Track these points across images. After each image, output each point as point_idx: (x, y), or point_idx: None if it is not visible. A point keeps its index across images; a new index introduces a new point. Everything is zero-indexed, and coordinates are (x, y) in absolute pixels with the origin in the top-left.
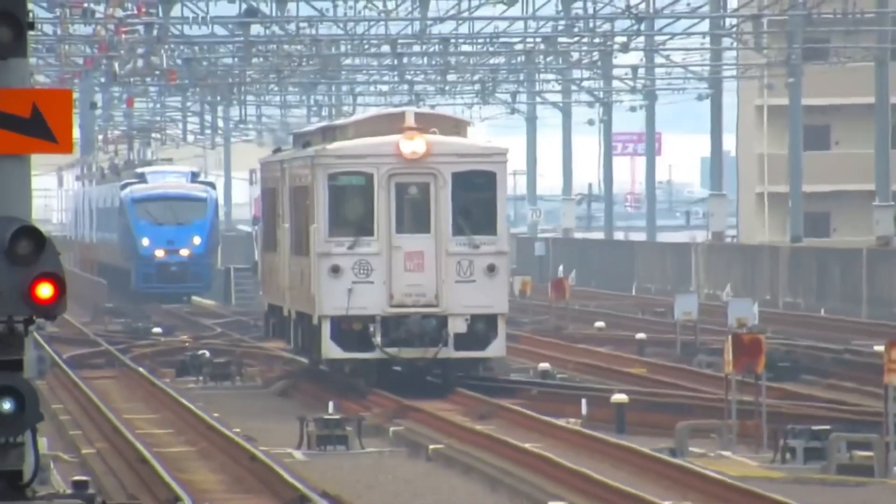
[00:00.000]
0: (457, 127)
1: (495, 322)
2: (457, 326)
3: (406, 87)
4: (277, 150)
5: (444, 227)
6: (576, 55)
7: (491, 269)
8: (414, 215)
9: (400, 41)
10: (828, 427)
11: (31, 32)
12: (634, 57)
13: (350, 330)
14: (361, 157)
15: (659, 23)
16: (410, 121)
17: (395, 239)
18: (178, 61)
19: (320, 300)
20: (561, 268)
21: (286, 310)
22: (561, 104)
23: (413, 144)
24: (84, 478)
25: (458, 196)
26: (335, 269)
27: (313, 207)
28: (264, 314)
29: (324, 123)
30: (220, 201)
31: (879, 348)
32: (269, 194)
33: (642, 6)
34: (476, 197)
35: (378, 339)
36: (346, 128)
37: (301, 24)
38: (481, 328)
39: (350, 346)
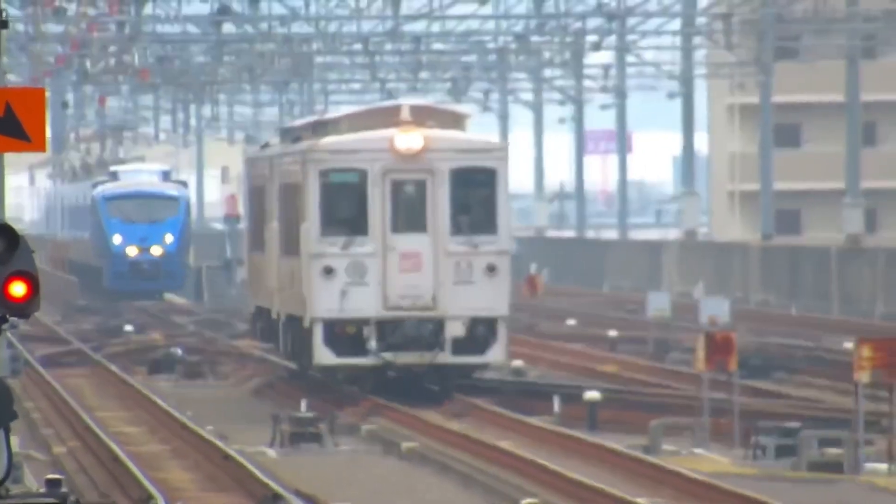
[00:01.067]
0: (455, 121)
1: (495, 325)
2: (455, 330)
3: (378, 85)
4: (265, 146)
5: (442, 225)
6: (547, 54)
7: (491, 269)
8: (410, 214)
9: (372, 39)
10: (799, 424)
11: (3, 31)
12: (606, 55)
13: (343, 334)
14: (355, 152)
15: (630, 21)
16: (406, 114)
17: (391, 239)
18: (151, 60)
19: (312, 302)
20: (533, 266)
21: (275, 312)
22: (532, 103)
23: (409, 139)
24: (57, 476)
25: (457, 193)
26: (328, 270)
27: (304, 205)
28: (251, 317)
29: (314, 117)
30: (193, 199)
31: (850, 346)
32: (257, 192)
33: (613, 5)
34: (475, 194)
35: (373, 344)
36: (338, 122)
37: (273, 23)
38: (481, 332)
39: (343, 351)
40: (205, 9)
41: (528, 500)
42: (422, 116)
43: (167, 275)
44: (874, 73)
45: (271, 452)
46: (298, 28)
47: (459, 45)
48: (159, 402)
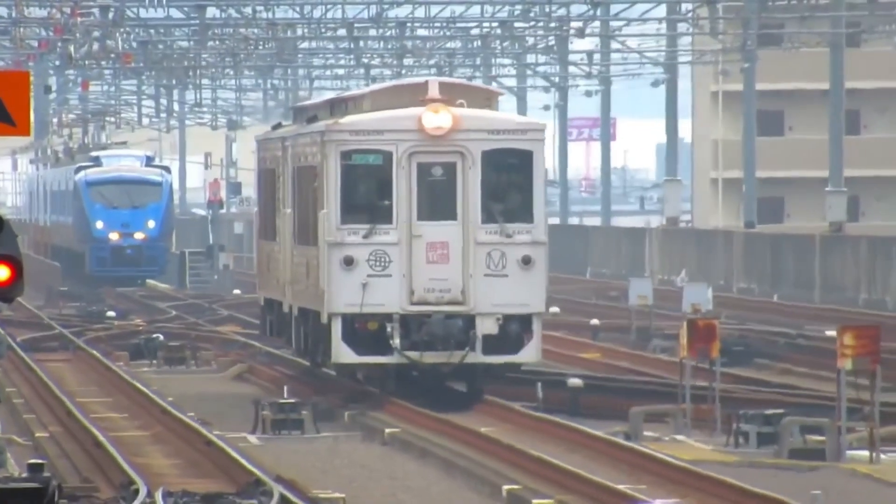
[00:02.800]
0: (487, 99)
1: (530, 322)
2: (486, 327)
3: (362, 71)
4: (277, 126)
5: (473, 213)
6: (531, 40)
7: (526, 261)
8: (438, 199)
9: (356, 25)
10: (781, 411)
11: None
12: (590, 42)
13: (364, 330)
14: (379, 132)
15: (615, 8)
16: (434, 91)
17: (417, 227)
18: (134, 44)
19: (330, 296)
20: None
21: (287, 306)
22: (516, 89)
23: (437, 118)
24: (40, 461)
25: (489, 177)
26: (348, 261)
27: (323, 190)
28: (260, 310)
29: (331, 95)
30: (175, 185)
31: (832, 333)
32: (268, 176)
33: None
34: (509, 179)
35: (396, 341)
36: (360, 99)
37: (257, 8)
38: (514, 329)
39: (364, 348)
40: None
41: (510, 486)
42: (451, 94)
43: (149, 260)
44: (858, 60)
45: (253, 438)
46: (282, 13)
47: (444, 30)
48: (141, 387)
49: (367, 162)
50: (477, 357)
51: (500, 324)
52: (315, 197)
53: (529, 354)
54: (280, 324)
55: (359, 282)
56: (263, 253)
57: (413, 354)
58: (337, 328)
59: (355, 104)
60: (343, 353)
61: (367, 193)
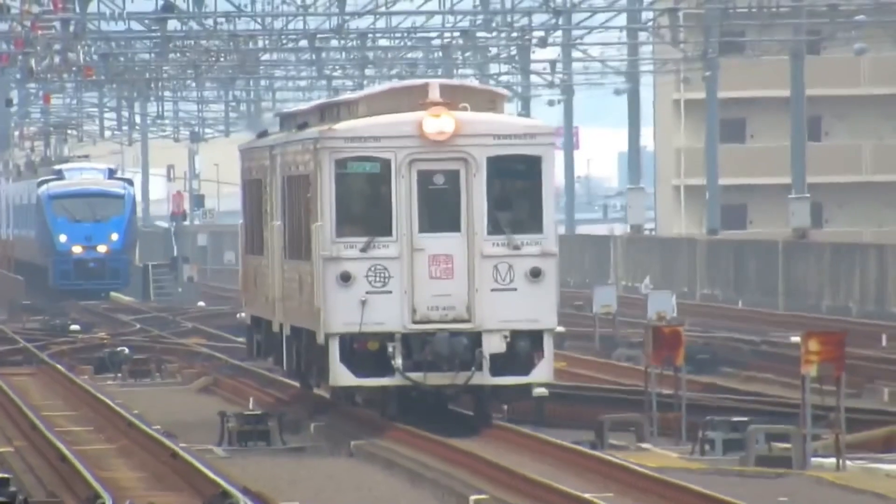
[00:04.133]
0: (492, 101)
1: (541, 340)
2: (493, 345)
3: (324, 82)
4: (263, 134)
5: (478, 223)
6: (494, 50)
7: (535, 274)
8: (441, 210)
9: (318, 36)
10: (746, 419)
11: None
12: (552, 52)
13: (364, 350)
14: (376, 138)
15: (576, 17)
16: (435, 94)
17: (418, 239)
18: (95, 57)
19: (327, 314)
20: None
21: (277, 325)
22: None
23: (439, 123)
24: (5, 475)
25: (495, 185)
26: (345, 277)
27: (316, 201)
28: (246, 329)
29: (321, 100)
30: (138, 198)
31: (796, 339)
32: (253, 186)
33: (559, 0)
34: (517, 186)
35: (398, 362)
36: (355, 104)
37: (218, 20)
38: (524, 347)
39: (364, 370)
40: (149, 6)
41: (477, 496)
42: (453, 96)
43: (113, 273)
44: (819, 67)
45: (219, 451)
46: (244, 25)
47: (405, 41)
48: (106, 400)
49: (363, 170)
50: (484, 378)
51: (508, 342)
52: (308, 208)
53: (541, 374)
54: (269, 344)
55: (357, 299)
56: (250, 268)
57: (416, 376)
58: (334, 349)
59: (349, 109)
60: (341, 376)
61: (364, 204)
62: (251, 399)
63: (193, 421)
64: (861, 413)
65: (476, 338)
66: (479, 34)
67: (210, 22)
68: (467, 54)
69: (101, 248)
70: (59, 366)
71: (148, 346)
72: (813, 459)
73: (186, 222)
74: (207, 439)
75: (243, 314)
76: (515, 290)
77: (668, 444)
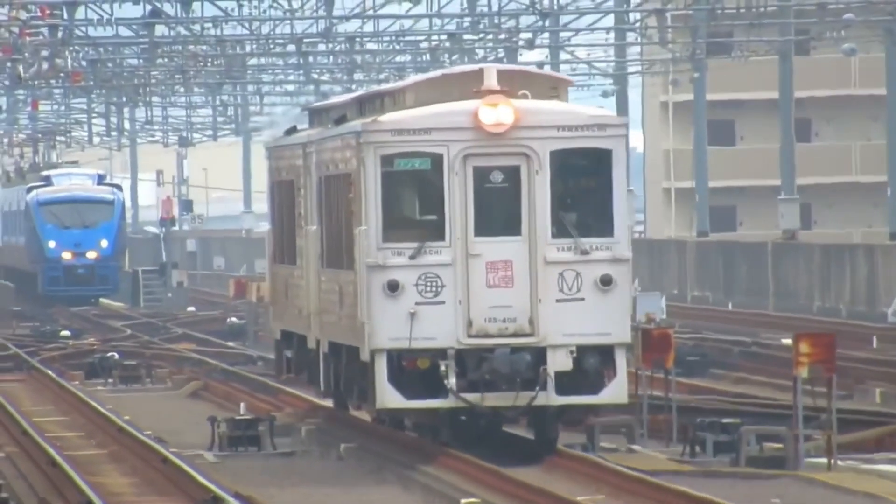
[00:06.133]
0: (555, 87)
1: (612, 355)
2: (559, 362)
3: (312, 86)
4: (292, 131)
5: (541, 226)
6: (481, 52)
7: (606, 282)
8: (499, 211)
9: (305, 40)
10: (737, 420)
11: None
12: (539, 54)
13: (413, 369)
14: (426, 131)
15: (564, 19)
16: (492, 81)
17: (474, 244)
18: (83, 63)
19: (372, 329)
20: None
21: (313, 340)
22: None
23: (496, 113)
24: None
25: (560, 183)
26: (392, 287)
27: (360, 203)
28: (275, 345)
29: (360, 91)
30: (127, 203)
31: (787, 341)
32: (283, 188)
33: (546, 2)
34: (584, 184)
35: (452, 382)
36: (401, 93)
37: (206, 25)
38: (592, 364)
39: (414, 390)
40: (137, 11)
41: (468, 499)
42: (512, 83)
43: (102, 279)
44: (807, 69)
45: (209, 455)
46: (231, 29)
47: (393, 44)
48: (97, 406)
49: (412, 167)
50: (549, 398)
51: (574, 358)
52: (349, 211)
53: (613, 394)
54: (302, 361)
55: (406, 311)
56: (280, 279)
57: (472, 397)
58: (381, 367)
59: (394, 99)
60: (389, 397)
61: (413, 205)
62: (242, 404)
63: (184, 426)
64: (852, 414)
65: (539, 353)
66: (467, 37)
67: (197, 27)
68: (455, 57)
69: (91, 254)
70: (49, 372)
71: (138, 352)
72: (804, 460)
73: (175, 227)
74: (198, 444)
75: (272, 327)
76: (583, 300)
77: (659, 447)
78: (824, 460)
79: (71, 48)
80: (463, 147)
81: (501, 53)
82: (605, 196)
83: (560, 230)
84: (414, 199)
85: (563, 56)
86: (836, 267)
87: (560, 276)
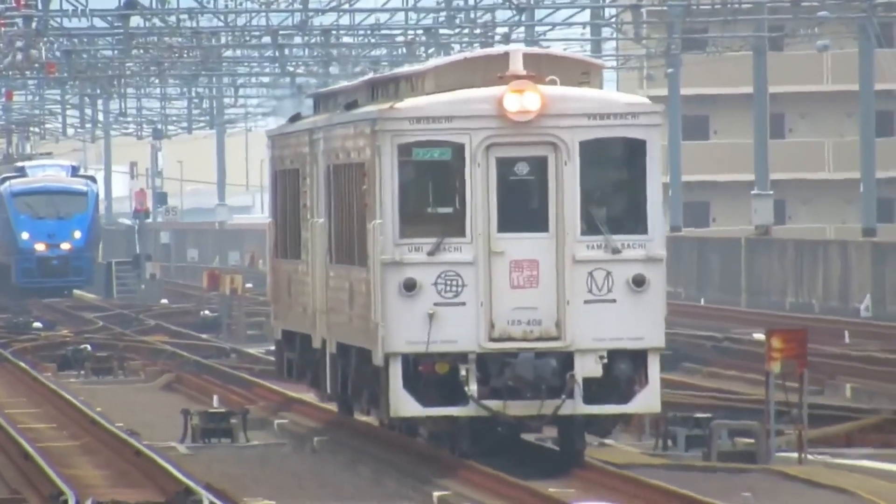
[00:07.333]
0: (585, 73)
1: (644, 361)
2: (587, 368)
3: (288, 79)
4: (296, 118)
5: (570, 222)
6: (457, 47)
7: (639, 282)
8: (524, 205)
9: (281, 32)
10: (709, 415)
11: None
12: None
13: (431, 374)
14: (447, 119)
15: (539, 13)
16: (517, 65)
17: (497, 241)
18: (58, 54)
19: (387, 331)
20: None
21: (318, 340)
22: None
23: (522, 100)
24: None
25: (590, 175)
26: (409, 286)
27: (374, 195)
28: (275, 345)
29: (371, 75)
30: (101, 195)
31: (759, 336)
32: (287, 178)
33: None
34: (616, 177)
35: (473, 388)
36: (420, 77)
37: (181, 16)
38: (624, 370)
39: (431, 397)
40: (112, 2)
41: (440, 492)
42: (539, 67)
43: (76, 271)
44: (782, 64)
45: (182, 448)
46: (207, 21)
47: (368, 38)
48: (69, 398)
49: (432, 157)
50: (576, 407)
51: (604, 363)
52: (363, 203)
53: (645, 403)
54: (305, 363)
55: (423, 312)
56: (282, 274)
57: (494, 404)
58: (396, 372)
59: (411, 84)
60: (404, 405)
61: (432, 198)
62: (215, 396)
63: (156, 418)
64: (823, 409)
65: (567, 359)
66: (443, 31)
67: (173, 19)
68: (431, 51)
69: (64, 246)
70: (21, 363)
71: (111, 344)
72: (776, 455)
73: (149, 220)
74: (171, 436)
75: (273, 325)
76: (614, 301)
77: (632, 441)
78: (795, 455)
79: (45, 39)
80: (486, 136)
81: (477, 47)
82: (638, 190)
83: (590, 226)
84: (433, 192)
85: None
86: (810, 263)
87: (589, 275)
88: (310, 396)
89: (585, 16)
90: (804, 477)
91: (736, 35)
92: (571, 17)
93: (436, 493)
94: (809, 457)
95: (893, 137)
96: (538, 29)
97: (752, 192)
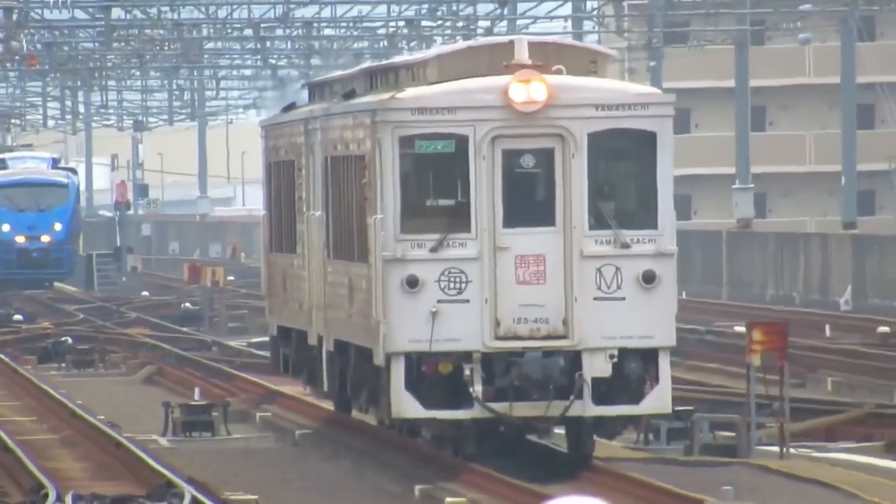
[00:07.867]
0: (593, 62)
1: (655, 360)
2: (596, 368)
3: (269, 71)
4: (290, 108)
5: (577, 216)
6: (439, 39)
7: (649, 278)
8: (530, 199)
9: (263, 25)
10: (691, 408)
11: None
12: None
13: (434, 374)
14: (450, 110)
15: (522, 7)
16: (523, 54)
17: (503, 236)
18: (39, 46)
19: (389, 329)
20: None
21: (314, 337)
22: None
23: (528, 90)
24: None
25: (598, 168)
26: (412, 283)
27: (375, 188)
28: (270, 341)
29: (369, 63)
30: (82, 187)
31: (740, 329)
32: (282, 169)
33: None
34: (625, 169)
35: (477, 389)
36: (422, 66)
37: (162, 8)
38: (634, 369)
39: (434, 399)
40: None
41: (422, 485)
42: (545, 57)
43: (56, 263)
44: (763, 58)
45: (163, 441)
46: (188, 13)
47: (350, 30)
48: (49, 390)
49: (434, 150)
50: (585, 408)
51: (614, 363)
52: (362, 197)
53: (656, 404)
54: (302, 360)
55: (426, 310)
56: (276, 269)
57: (500, 406)
58: (397, 372)
59: (412, 73)
60: (406, 406)
61: (435, 192)
62: (196, 389)
63: (137, 411)
64: (804, 402)
65: (575, 358)
66: (425, 23)
67: (154, 11)
68: (413, 44)
69: (45, 238)
70: (1, 356)
71: (92, 336)
72: (757, 448)
73: (130, 212)
74: (152, 429)
75: (268, 321)
76: (624, 298)
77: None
78: (776, 448)
79: (26, 31)
80: (491, 128)
81: (459, 40)
82: (648, 183)
83: (598, 221)
84: (436, 186)
85: None
86: (790, 256)
87: (598, 271)
88: (292, 389)
89: (567, 9)
90: (785, 470)
91: (718, 28)
92: (553, 10)
93: (417, 486)
94: (790, 450)
95: (874, 130)
96: (520, 22)
97: (734, 185)
